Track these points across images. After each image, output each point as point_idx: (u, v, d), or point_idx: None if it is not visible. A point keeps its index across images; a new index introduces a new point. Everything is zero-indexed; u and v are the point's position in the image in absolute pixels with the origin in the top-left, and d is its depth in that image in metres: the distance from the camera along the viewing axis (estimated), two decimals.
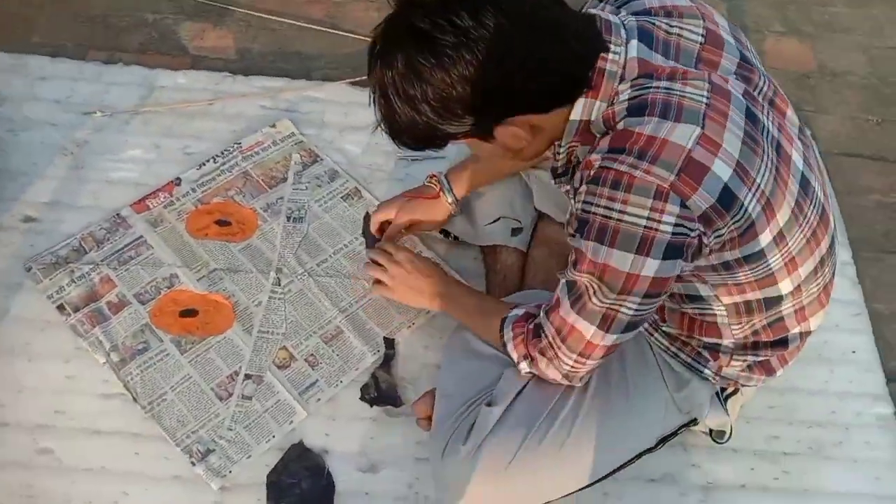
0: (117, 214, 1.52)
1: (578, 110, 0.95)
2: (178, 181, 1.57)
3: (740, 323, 1.06)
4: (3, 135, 1.62)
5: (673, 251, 0.90)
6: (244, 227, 1.52)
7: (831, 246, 1.07)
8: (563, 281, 1.02)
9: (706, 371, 1.15)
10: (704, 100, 0.90)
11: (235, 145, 1.63)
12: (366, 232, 1.48)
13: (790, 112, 1.04)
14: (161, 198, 1.55)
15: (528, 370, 1.12)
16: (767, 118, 0.96)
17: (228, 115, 1.70)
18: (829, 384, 1.38)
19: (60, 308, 1.39)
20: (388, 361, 1.36)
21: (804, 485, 1.27)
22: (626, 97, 0.93)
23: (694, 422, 1.22)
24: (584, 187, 0.93)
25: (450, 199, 1.41)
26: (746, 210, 0.91)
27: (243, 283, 1.44)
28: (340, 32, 1.94)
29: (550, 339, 1.05)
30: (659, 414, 1.17)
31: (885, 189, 1.73)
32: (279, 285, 1.44)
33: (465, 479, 1.10)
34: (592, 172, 0.92)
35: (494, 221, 1.43)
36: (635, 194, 0.88)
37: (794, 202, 0.97)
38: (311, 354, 1.37)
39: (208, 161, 1.60)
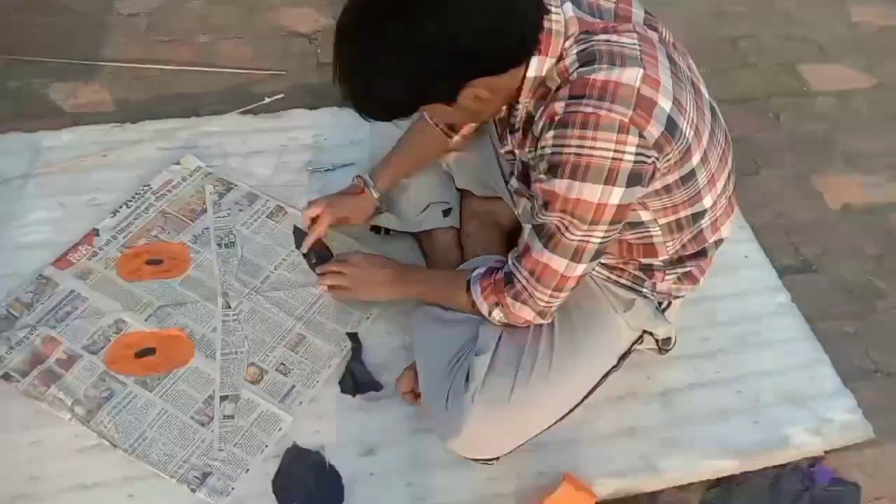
0: (40, 275, 1.46)
1: (534, 67, 1.08)
2: (95, 232, 1.54)
3: (672, 240, 1.23)
4: None
5: (634, 178, 1.05)
6: (177, 262, 1.52)
7: (732, 161, 1.27)
8: (528, 228, 1.14)
9: (644, 290, 1.32)
10: (638, 47, 1.06)
11: (145, 187, 1.63)
12: (304, 251, 1.53)
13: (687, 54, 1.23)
14: (82, 251, 1.51)
15: (500, 318, 1.23)
16: (679, 59, 1.14)
17: (128, 162, 1.69)
18: (734, 286, 1.60)
19: (6, 377, 1.32)
20: (357, 354, 1.42)
21: (740, 371, 1.47)
22: (574, 52, 1.06)
23: (641, 338, 1.37)
24: (550, 133, 1.04)
25: (375, 195, 1.50)
26: (684, 135, 1.07)
27: (193, 313, 1.44)
28: (215, 69, 1.98)
29: (524, 282, 1.17)
30: (614, 334, 1.31)
31: None
32: (229, 308, 1.46)
33: (473, 421, 1.19)
34: (559, 118, 1.04)
35: (425, 209, 1.54)
36: (602, 130, 1.01)
37: (709, 127, 1.15)
38: (281, 363, 1.40)
39: (121, 207, 1.59)
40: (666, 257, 1.26)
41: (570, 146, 1.03)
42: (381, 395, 1.37)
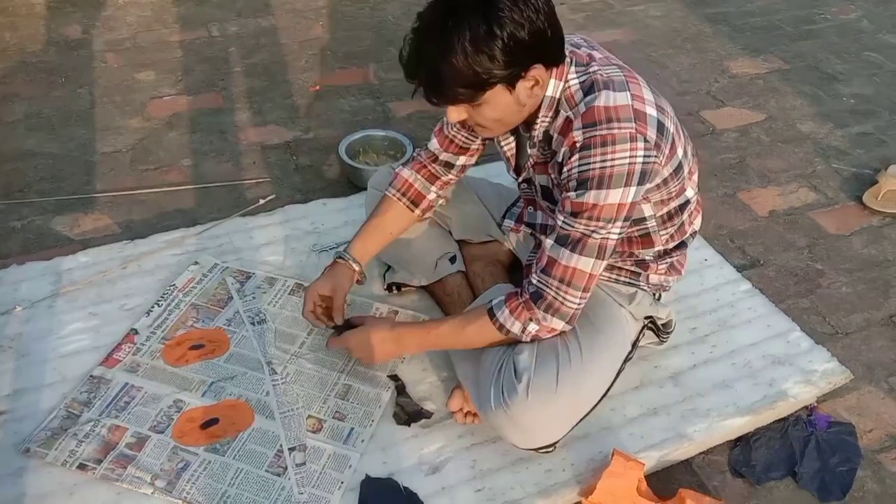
0: (91, 376, 1.55)
1: (551, 87, 1.32)
2: (134, 331, 1.65)
3: (666, 229, 1.47)
4: None
5: (643, 176, 1.29)
6: (219, 344, 1.64)
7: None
8: (549, 241, 1.34)
9: (641, 283, 1.54)
10: (621, 74, 1.32)
11: (171, 287, 1.76)
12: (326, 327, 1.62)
13: None
14: (126, 349, 1.61)
15: (534, 331, 1.38)
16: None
17: (147, 269, 1.82)
18: (704, 284, 1.85)
19: (81, 467, 1.39)
20: (402, 389, 1.56)
21: (729, 348, 1.69)
22: (576, 81, 1.32)
23: (643, 331, 1.58)
24: (576, 157, 1.28)
25: (356, 268, 1.61)
26: (670, 132, 1.34)
27: (244, 384, 1.56)
28: (205, 185, 2.16)
29: (555, 291, 1.34)
30: (624, 324, 1.51)
31: None
32: (276, 373, 1.58)
33: (529, 412, 1.35)
34: (580, 144, 1.27)
35: (437, 263, 1.73)
36: (619, 143, 1.26)
37: (679, 125, 1.42)
38: (336, 412, 1.52)
39: (153, 307, 1.71)
40: (660, 248, 1.50)
41: (595, 163, 1.27)
42: (432, 422, 1.51)
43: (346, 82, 2.72)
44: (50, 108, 2.49)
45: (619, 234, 1.33)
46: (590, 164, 1.27)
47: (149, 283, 1.78)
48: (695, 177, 1.47)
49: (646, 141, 1.28)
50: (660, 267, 1.54)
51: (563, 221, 1.33)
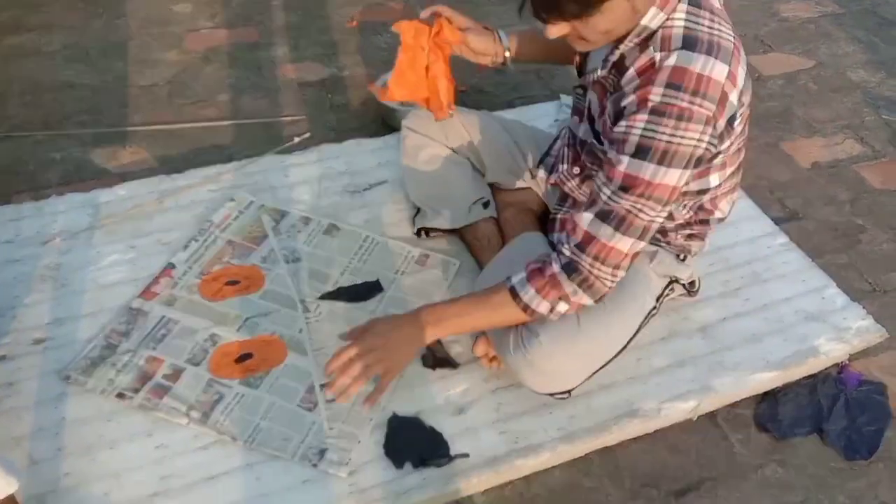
0: (130, 308, 1.60)
1: (649, 16, 1.19)
2: (171, 266, 1.68)
3: (685, 206, 1.42)
4: None
5: (699, 161, 1.21)
6: (254, 280, 1.66)
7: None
8: (587, 215, 1.25)
9: (662, 244, 1.51)
10: (732, 38, 1.20)
11: (208, 223, 1.78)
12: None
13: None
14: (163, 283, 1.65)
15: (564, 310, 1.31)
16: None
17: (183, 205, 1.84)
18: (739, 236, 1.82)
19: (120, 396, 1.44)
20: None
21: (762, 301, 1.67)
22: (682, 23, 1.18)
23: (671, 287, 1.56)
24: (643, 115, 1.17)
25: (505, 46, 1.53)
26: (735, 130, 1.25)
27: (278, 320, 1.59)
28: (241, 121, 2.17)
29: (589, 268, 1.26)
30: (648, 280, 1.49)
31: None
32: (309, 311, 1.61)
33: (545, 357, 1.36)
34: (653, 105, 1.16)
35: (470, 207, 1.72)
36: (695, 122, 1.16)
37: (747, 123, 1.32)
38: None
39: (191, 242, 1.73)
40: (681, 221, 1.46)
41: (664, 133, 1.16)
42: (457, 368, 1.53)
43: (384, 18, 2.67)
44: (88, 39, 2.49)
45: (664, 217, 1.26)
46: (657, 132, 1.17)
47: (185, 217, 1.81)
48: (729, 168, 1.38)
49: (714, 127, 1.19)
50: (679, 235, 1.50)
51: (610, 196, 1.23)
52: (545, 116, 2.16)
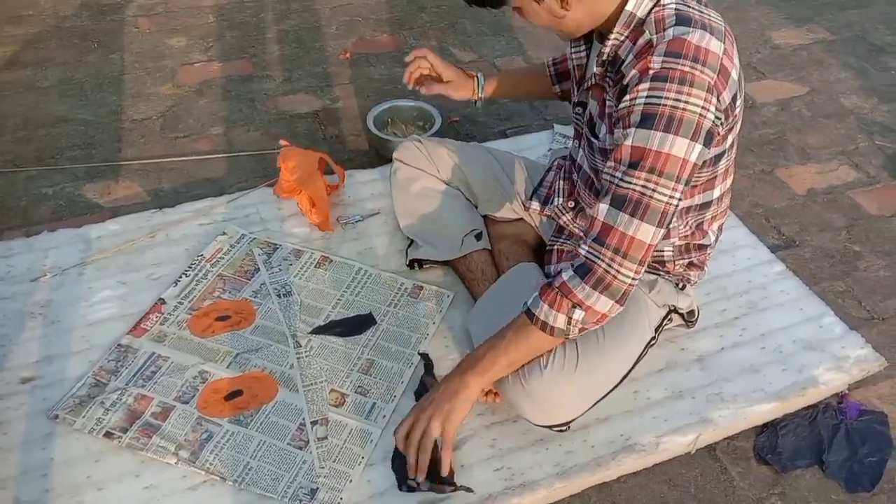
0: (119, 345, 1.58)
1: (632, 4, 1.21)
2: (161, 301, 1.67)
3: (685, 223, 1.41)
4: None
5: (708, 137, 1.18)
6: (244, 315, 1.65)
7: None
8: (604, 206, 1.21)
9: (661, 273, 1.50)
10: (722, 22, 1.23)
11: (199, 257, 1.77)
12: (406, 80, 1.67)
13: None
14: (153, 318, 1.63)
15: (579, 319, 1.24)
16: None
17: (175, 239, 1.83)
18: (736, 265, 1.81)
19: (108, 435, 1.42)
20: (430, 369, 1.56)
21: (759, 331, 1.65)
22: (674, 7, 1.19)
23: (670, 317, 1.55)
24: (646, 84, 1.16)
25: (479, 87, 1.69)
26: (737, 109, 1.25)
27: (269, 356, 1.57)
28: (233, 154, 2.16)
29: (607, 262, 1.21)
30: (646, 310, 1.48)
31: None
32: (300, 346, 1.59)
33: (544, 388, 1.34)
34: (653, 72, 1.15)
35: (463, 239, 1.70)
36: (696, 87, 1.14)
37: (742, 112, 1.31)
38: (359, 387, 1.52)
39: (181, 277, 1.72)
40: (677, 240, 1.45)
41: (668, 98, 1.14)
42: None
43: (377, 50, 2.68)
44: (82, 74, 2.50)
45: (679, 201, 1.20)
46: (661, 97, 1.15)
47: (176, 252, 1.79)
48: (729, 180, 1.39)
49: (718, 99, 1.18)
50: (678, 265, 1.49)
51: (621, 178, 1.19)
52: (539, 146, 2.16)
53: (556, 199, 1.58)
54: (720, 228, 1.51)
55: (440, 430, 1.28)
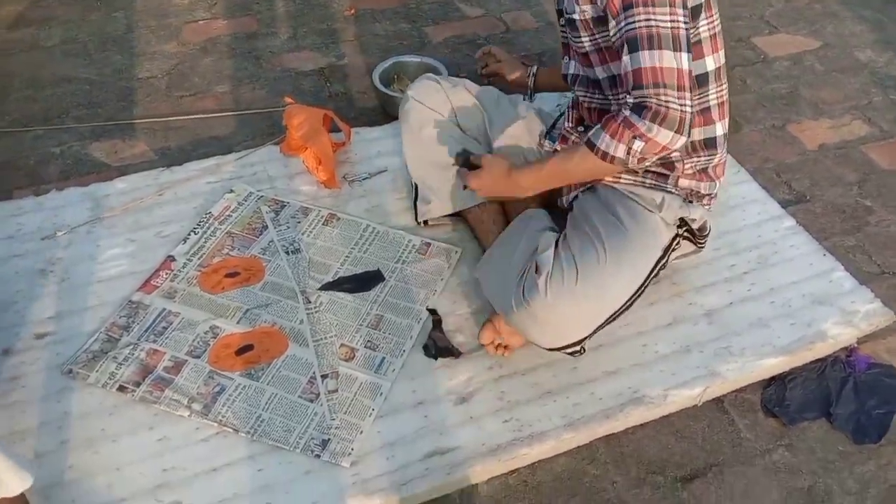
0: (130, 301, 1.59)
1: None
2: (171, 258, 1.67)
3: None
4: None
5: None
6: (254, 272, 1.65)
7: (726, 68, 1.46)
8: (625, 58, 1.28)
9: (669, 186, 1.49)
10: None
11: (207, 214, 1.77)
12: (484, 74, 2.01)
13: None
14: (163, 275, 1.64)
15: (640, 149, 1.29)
16: None
17: (183, 197, 1.83)
18: (746, 220, 1.80)
19: (121, 389, 1.44)
20: (438, 324, 1.56)
21: (768, 286, 1.65)
22: None
23: (679, 236, 1.51)
24: None
25: (530, 75, 1.92)
26: None
27: (279, 311, 1.58)
28: (239, 112, 2.15)
29: (655, 97, 1.26)
30: (655, 228, 1.46)
31: None
32: (310, 302, 1.60)
33: (546, 307, 1.34)
34: None
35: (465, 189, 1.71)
36: None
37: None
38: (368, 341, 1.53)
39: (190, 234, 1.72)
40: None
41: None
42: (459, 359, 1.51)
43: (382, 6, 2.65)
44: (86, 33, 2.48)
45: (686, 23, 1.27)
46: None
47: (185, 210, 1.80)
48: (719, 53, 1.41)
49: None
50: (686, 168, 1.48)
51: (624, 25, 1.28)
52: (549, 99, 2.13)
53: (565, 123, 1.63)
54: (726, 130, 1.48)
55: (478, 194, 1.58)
